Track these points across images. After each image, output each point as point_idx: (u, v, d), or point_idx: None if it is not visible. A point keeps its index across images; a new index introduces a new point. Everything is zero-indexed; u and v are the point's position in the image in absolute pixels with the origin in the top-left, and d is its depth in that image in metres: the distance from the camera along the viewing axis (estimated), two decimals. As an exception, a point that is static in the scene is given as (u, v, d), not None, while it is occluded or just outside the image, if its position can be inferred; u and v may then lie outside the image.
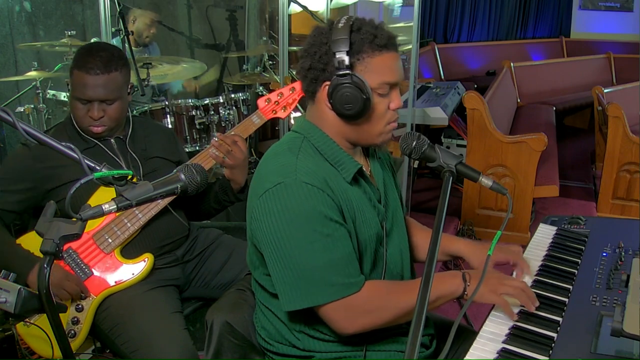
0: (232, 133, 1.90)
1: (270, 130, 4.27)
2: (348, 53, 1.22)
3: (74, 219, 1.09)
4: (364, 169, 1.37)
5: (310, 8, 3.67)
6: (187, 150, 2.94)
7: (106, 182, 1.13)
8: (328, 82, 1.26)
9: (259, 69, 4.00)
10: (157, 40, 4.28)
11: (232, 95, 3.13)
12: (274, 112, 1.97)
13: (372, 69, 1.25)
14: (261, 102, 1.98)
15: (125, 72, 1.81)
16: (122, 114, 1.83)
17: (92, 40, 3.21)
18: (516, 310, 1.26)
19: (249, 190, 1.32)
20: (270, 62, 3.94)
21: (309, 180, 1.23)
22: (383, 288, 1.30)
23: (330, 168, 1.29)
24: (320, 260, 1.21)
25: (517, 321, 1.23)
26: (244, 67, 4.42)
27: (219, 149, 1.82)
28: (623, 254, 1.49)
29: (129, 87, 1.86)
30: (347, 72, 1.22)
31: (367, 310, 1.25)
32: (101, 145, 1.83)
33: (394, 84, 1.29)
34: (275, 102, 1.97)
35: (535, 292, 1.35)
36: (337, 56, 1.23)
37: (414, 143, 1.29)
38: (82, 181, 1.09)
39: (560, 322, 1.23)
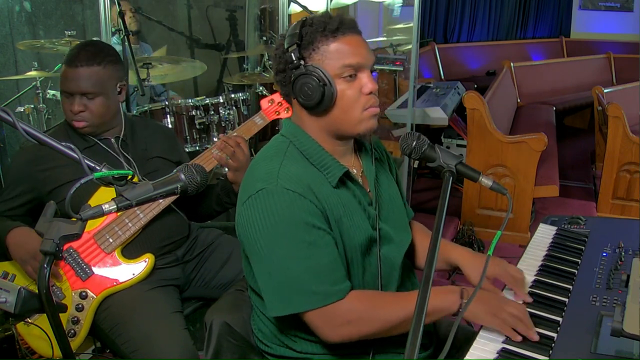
0: (235, 134, 1.90)
1: (270, 131, 4.26)
2: (299, 45, 1.23)
3: (74, 219, 1.09)
4: (355, 170, 1.36)
5: (310, 8, 3.66)
6: (187, 150, 2.93)
7: (106, 182, 1.13)
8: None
9: (259, 69, 4.00)
10: (156, 39, 4.29)
11: (232, 95, 3.13)
12: (277, 113, 1.97)
13: (329, 55, 1.24)
14: (264, 103, 1.97)
15: (111, 68, 1.78)
16: (107, 112, 1.80)
17: (92, 40, 3.21)
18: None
19: (238, 195, 1.32)
20: (270, 62, 3.94)
21: (290, 186, 1.22)
22: (367, 299, 1.27)
23: (317, 172, 1.28)
24: (302, 267, 1.20)
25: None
26: (244, 67, 4.42)
27: (224, 150, 1.81)
28: (623, 254, 1.49)
29: (119, 85, 1.83)
30: (299, 63, 1.23)
31: (348, 320, 1.23)
32: (101, 144, 1.83)
33: (358, 66, 1.26)
34: (279, 103, 1.97)
35: (535, 292, 1.35)
36: (290, 51, 1.24)
37: (414, 143, 1.28)
38: (82, 181, 1.09)
39: (560, 322, 1.23)
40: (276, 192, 1.21)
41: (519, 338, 1.17)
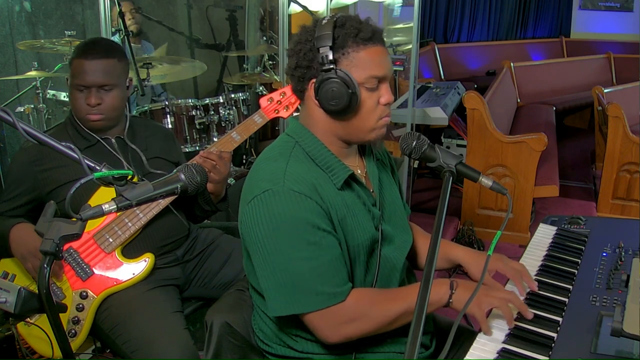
0: (216, 149, 1.87)
1: (270, 130, 4.27)
2: (332, 48, 1.22)
3: (74, 219, 1.09)
4: (359, 171, 1.37)
5: (310, 8, 3.67)
6: (187, 150, 2.94)
7: (106, 182, 1.13)
8: (314, 80, 1.25)
9: (259, 69, 4.00)
10: (156, 40, 4.29)
11: (232, 95, 3.13)
12: (276, 111, 1.97)
13: (357, 63, 1.24)
14: (263, 102, 1.97)
15: (123, 63, 1.82)
16: (120, 105, 1.82)
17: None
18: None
19: (241, 195, 1.31)
20: (270, 62, 3.94)
21: (296, 187, 1.22)
22: (368, 297, 1.28)
23: (322, 173, 1.28)
24: (306, 268, 1.20)
25: (517, 321, 1.23)
26: (244, 67, 4.42)
27: (204, 164, 1.79)
28: (623, 254, 1.49)
29: (128, 81, 1.86)
30: (332, 67, 1.22)
31: (351, 319, 1.23)
32: (102, 142, 1.83)
33: (382, 78, 1.27)
34: (278, 101, 1.96)
35: (535, 292, 1.35)
36: (321, 51, 1.22)
37: (414, 143, 1.28)
38: (82, 181, 1.09)
39: (560, 322, 1.23)
40: (282, 193, 1.21)
41: (490, 333, 1.19)
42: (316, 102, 1.27)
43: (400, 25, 5.65)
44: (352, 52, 1.23)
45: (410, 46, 3.45)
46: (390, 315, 1.24)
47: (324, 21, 1.25)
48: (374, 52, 1.25)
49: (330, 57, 1.22)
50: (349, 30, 1.23)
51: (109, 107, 1.78)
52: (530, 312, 1.23)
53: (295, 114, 1.93)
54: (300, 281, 1.21)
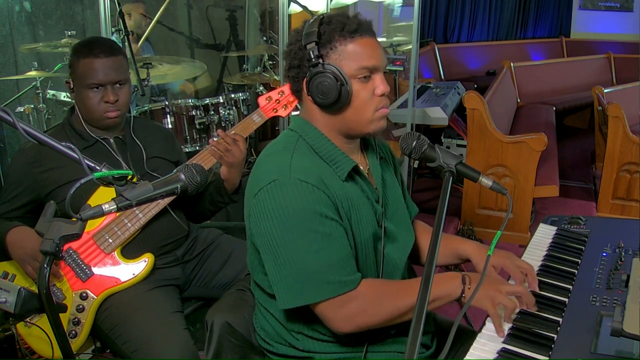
0: (233, 132, 1.90)
1: (270, 130, 4.27)
2: (318, 44, 1.24)
3: (74, 219, 1.09)
4: (361, 167, 1.37)
5: (310, 8, 3.67)
6: (187, 150, 2.93)
7: (106, 182, 1.13)
8: (306, 77, 1.27)
9: (259, 69, 4.00)
10: (156, 40, 4.28)
11: (232, 95, 3.13)
12: (275, 110, 1.97)
13: (346, 56, 1.25)
14: (262, 101, 1.97)
15: (126, 59, 1.86)
16: (129, 101, 1.86)
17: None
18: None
19: (246, 189, 1.32)
20: (270, 62, 3.94)
21: (303, 177, 1.22)
22: (379, 287, 1.28)
23: (326, 166, 1.29)
24: (316, 258, 1.21)
25: (517, 321, 1.23)
26: (244, 67, 4.42)
27: (218, 146, 1.81)
28: (623, 254, 1.49)
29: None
30: (319, 61, 1.24)
31: (362, 309, 1.24)
32: (101, 142, 1.83)
33: (374, 69, 1.27)
34: (276, 100, 1.96)
35: (535, 292, 1.35)
36: (308, 48, 1.24)
37: (414, 143, 1.28)
38: (82, 181, 1.09)
39: (560, 322, 1.23)
40: (289, 184, 1.21)
41: (503, 334, 1.19)
42: (310, 98, 1.28)
43: (400, 25, 5.65)
44: (340, 45, 1.25)
45: (410, 46, 3.45)
46: (402, 307, 1.23)
47: (311, 20, 1.28)
48: (362, 43, 1.26)
49: (317, 52, 1.24)
50: (335, 25, 1.25)
51: (124, 102, 1.81)
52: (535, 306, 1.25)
53: (294, 112, 1.93)
54: (310, 272, 1.21)
